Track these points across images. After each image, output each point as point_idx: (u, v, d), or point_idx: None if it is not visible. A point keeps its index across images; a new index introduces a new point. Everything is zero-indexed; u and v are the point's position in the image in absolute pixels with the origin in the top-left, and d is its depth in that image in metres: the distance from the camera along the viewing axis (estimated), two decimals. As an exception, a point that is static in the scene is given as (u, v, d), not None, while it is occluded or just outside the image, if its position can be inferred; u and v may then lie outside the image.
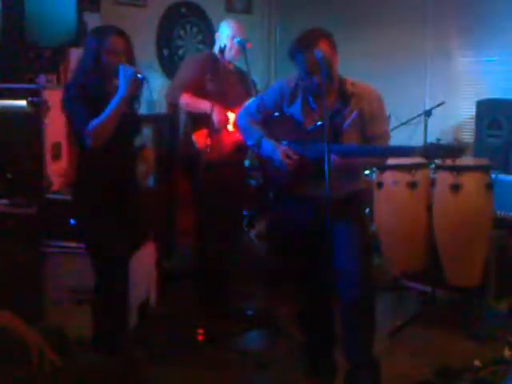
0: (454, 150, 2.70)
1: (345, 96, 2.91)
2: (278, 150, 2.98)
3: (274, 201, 3.19)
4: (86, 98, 2.93)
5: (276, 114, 3.07)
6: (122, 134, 2.98)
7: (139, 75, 2.91)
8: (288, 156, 2.95)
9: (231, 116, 3.90)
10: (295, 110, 2.99)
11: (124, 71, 2.91)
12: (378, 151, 2.99)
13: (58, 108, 4.00)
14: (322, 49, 2.76)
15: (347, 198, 2.95)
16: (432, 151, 2.73)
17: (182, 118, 4.08)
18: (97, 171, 3.01)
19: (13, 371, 2.26)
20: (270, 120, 3.10)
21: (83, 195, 3.08)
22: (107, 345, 3.02)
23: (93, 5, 4.62)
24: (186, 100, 3.91)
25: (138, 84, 2.98)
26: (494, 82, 4.90)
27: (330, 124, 2.83)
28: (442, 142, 2.83)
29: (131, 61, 3.01)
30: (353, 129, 2.91)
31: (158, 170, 4.82)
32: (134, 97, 3.06)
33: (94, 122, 2.88)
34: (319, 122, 2.88)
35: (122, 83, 2.91)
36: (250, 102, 3.37)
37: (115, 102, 2.91)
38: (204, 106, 3.83)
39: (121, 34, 3.01)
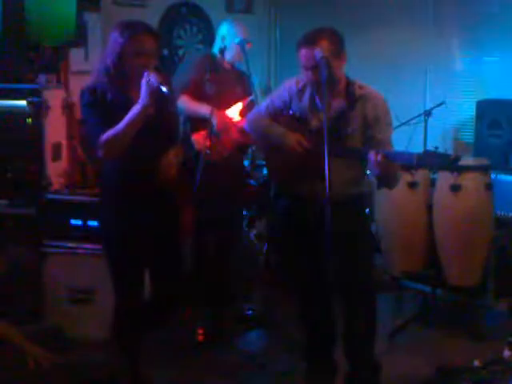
0: (446, 160, 2.58)
1: (351, 98, 2.90)
2: (290, 135, 2.94)
3: (275, 200, 3.18)
4: (104, 103, 2.69)
5: (283, 112, 3.06)
6: (151, 136, 2.74)
7: (164, 89, 2.62)
8: (300, 144, 2.91)
9: (232, 117, 3.90)
10: (302, 109, 2.99)
11: (147, 80, 2.63)
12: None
13: (58, 108, 4.03)
14: (323, 48, 2.75)
15: (350, 199, 2.95)
16: (424, 160, 2.61)
17: (181, 118, 4.07)
18: (124, 174, 2.79)
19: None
20: (277, 118, 3.10)
21: (110, 199, 2.88)
22: (123, 345, 2.97)
23: (93, 5, 4.61)
24: (185, 104, 3.86)
25: (158, 96, 2.67)
26: (494, 81, 4.90)
27: (334, 125, 2.83)
28: (438, 151, 2.72)
29: (157, 64, 2.76)
30: (356, 132, 2.90)
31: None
32: (168, 99, 2.78)
33: (107, 134, 2.64)
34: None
35: (143, 92, 2.64)
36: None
37: (133, 114, 2.64)
38: (203, 110, 3.78)
39: (152, 32, 2.74)
